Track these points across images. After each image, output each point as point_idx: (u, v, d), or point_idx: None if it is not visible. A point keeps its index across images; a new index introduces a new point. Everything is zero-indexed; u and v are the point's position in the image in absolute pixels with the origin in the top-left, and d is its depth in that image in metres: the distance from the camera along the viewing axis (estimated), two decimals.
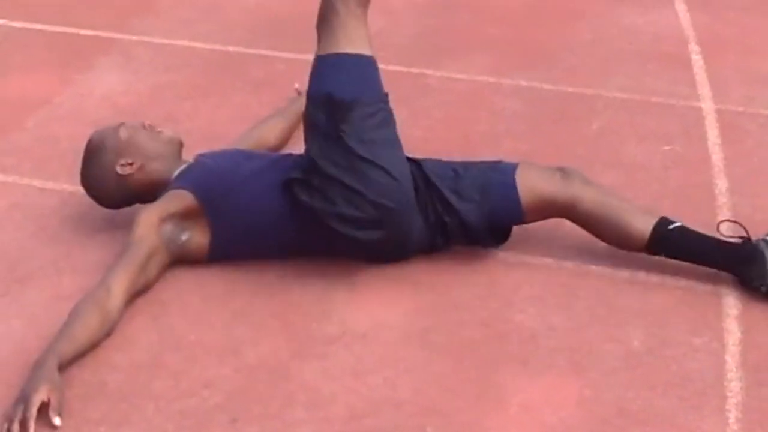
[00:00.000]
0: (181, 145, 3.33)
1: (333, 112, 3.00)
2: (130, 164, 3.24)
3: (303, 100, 3.92)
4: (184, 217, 3.11)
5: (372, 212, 3.00)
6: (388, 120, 3.10)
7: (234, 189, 3.12)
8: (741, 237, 3.09)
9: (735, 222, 3.21)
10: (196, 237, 3.14)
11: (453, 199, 3.12)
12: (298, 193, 3.03)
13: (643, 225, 3.08)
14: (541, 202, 3.12)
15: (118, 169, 3.24)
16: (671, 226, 3.06)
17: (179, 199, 3.12)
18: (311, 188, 3.02)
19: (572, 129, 4.03)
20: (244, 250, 3.17)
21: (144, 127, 3.31)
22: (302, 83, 4.32)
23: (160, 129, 3.33)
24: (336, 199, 2.99)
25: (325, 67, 3.07)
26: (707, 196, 3.57)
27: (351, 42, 3.05)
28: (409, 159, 3.15)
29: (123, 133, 3.27)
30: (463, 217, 3.11)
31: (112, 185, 3.28)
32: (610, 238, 3.14)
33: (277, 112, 3.89)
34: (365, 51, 3.08)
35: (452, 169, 3.19)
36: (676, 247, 3.08)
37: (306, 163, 3.05)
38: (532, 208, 3.12)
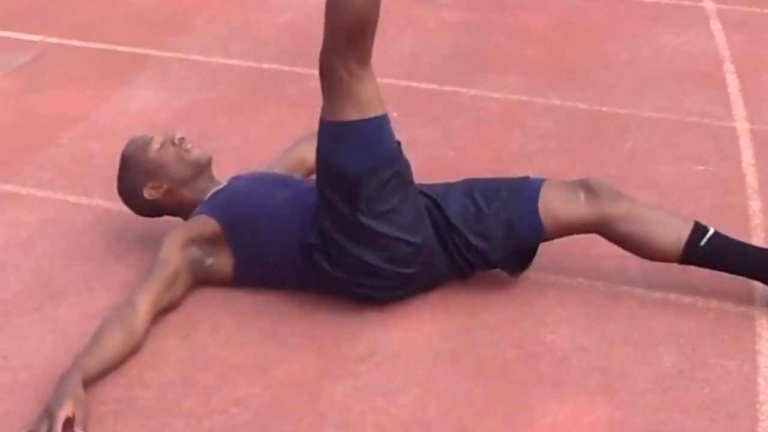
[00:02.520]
0: (209, 163, 3.31)
1: (343, 188, 2.94)
2: (158, 187, 3.25)
3: None
4: (209, 242, 3.12)
5: (394, 279, 3.03)
6: (403, 178, 3.01)
7: (259, 223, 3.11)
8: None
9: None
10: (221, 263, 3.15)
11: (477, 241, 3.07)
12: (318, 261, 3.02)
13: (675, 239, 3.01)
14: (567, 229, 3.08)
15: (146, 194, 3.26)
16: (704, 241, 3.00)
17: (205, 224, 3.13)
18: (330, 257, 3.01)
19: (606, 149, 4.02)
20: (266, 281, 3.16)
21: (174, 142, 3.27)
22: None
23: (189, 145, 3.28)
24: (356, 272, 3.00)
25: (332, 138, 2.95)
26: (741, 217, 3.55)
27: (358, 106, 2.90)
28: (427, 196, 3.10)
29: (152, 153, 3.25)
30: (489, 256, 3.09)
31: (140, 202, 3.30)
32: (642, 253, 3.08)
33: (314, 132, 3.88)
34: (374, 112, 2.92)
35: (474, 203, 3.09)
36: (709, 260, 3.04)
37: (322, 231, 3.00)
38: (559, 234, 3.09)
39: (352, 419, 2.70)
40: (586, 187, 3.06)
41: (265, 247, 3.11)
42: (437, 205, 3.09)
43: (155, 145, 3.27)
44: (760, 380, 2.83)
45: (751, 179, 3.79)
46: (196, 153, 3.28)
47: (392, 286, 3.05)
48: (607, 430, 2.66)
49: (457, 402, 2.76)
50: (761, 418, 2.70)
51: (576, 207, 3.04)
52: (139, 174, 3.26)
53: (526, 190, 3.09)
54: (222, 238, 3.12)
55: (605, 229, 3.06)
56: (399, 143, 3.04)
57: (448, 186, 3.18)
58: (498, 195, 3.09)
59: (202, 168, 3.28)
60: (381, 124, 2.96)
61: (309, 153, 3.67)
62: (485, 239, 3.06)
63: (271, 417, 2.71)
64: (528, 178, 3.16)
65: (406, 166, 3.04)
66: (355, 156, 2.92)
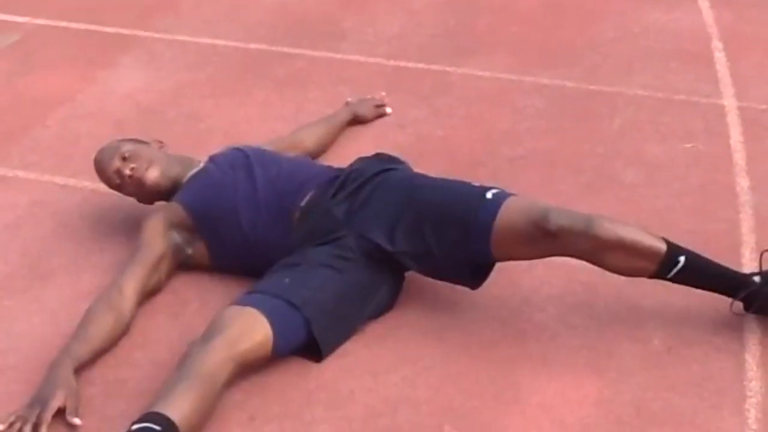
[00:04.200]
0: (161, 177, 3.26)
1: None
2: (139, 199, 3.35)
3: (348, 112, 3.94)
4: (185, 229, 3.15)
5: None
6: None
7: (223, 212, 3.12)
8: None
9: None
10: (198, 251, 3.17)
11: (429, 274, 3.03)
12: None
13: (641, 270, 2.85)
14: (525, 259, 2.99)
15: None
16: (671, 273, 2.83)
17: (177, 212, 3.16)
18: None
19: (594, 127, 4.02)
20: (242, 269, 3.14)
21: (122, 175, 3.25)
22: (327, 82, 4.33)
23: (137, 174, 3.24)
24: None
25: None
26: (729, 194, 3.55)
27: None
28: (368, 241, 2.96)
29: (113, 187, 3.32)
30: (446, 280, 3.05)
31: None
32: (608, 270, 2.91)
33: (321, 119, 3.90)
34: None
35: (423, 243, 2.91)
36: (681, 282, 2.89)
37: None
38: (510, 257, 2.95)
39: (340, 399, 2.71)
40: (545, 232, 2.79)
41: (233, 242, 3.12)
42: (384, 250, 2.95)
43: (113, 182, 3.29)
44: (748, 357, 2.83)
45: (739, 156, 3.78)
46: (147, 180, 3.25)
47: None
48: (595, 408, 2.66)
49: (445, 380, 2.76)
50: (749, 394, 2.71)
51: (531, 248, 2.85)
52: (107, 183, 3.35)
53: (478, 225, 2.86)
54: (193, 227, 3.14)
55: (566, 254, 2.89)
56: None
57: (395, 218, 2.96)
58: (447, 231, 2.89)
59: (160, 182, 3.27)
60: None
61: (308, 139, 3.69)
62: (437, 274, 3.02)
63: (260, 397, 2.71)
64: (483, 201, 2.89)
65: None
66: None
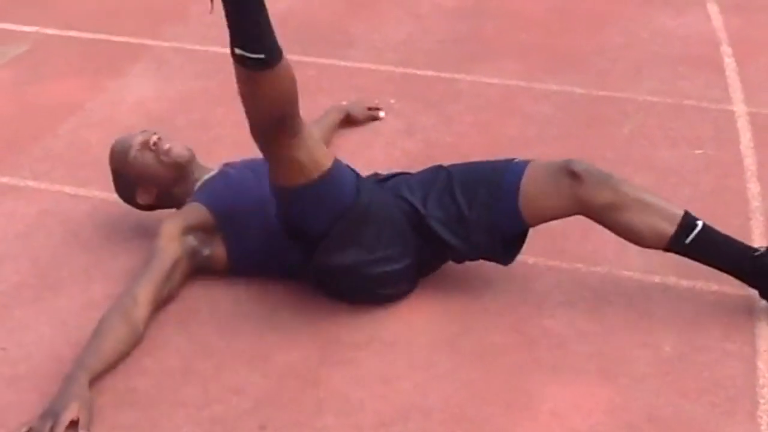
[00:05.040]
0: (192, 158, 3.30)
1: (311, 244, 2.94)
2: (148, 192, 3.29)
3: (340, 112, 3.95)
4: (204, 230, 3.12)
5: (384, 292, 3.05)
6: (372, 213, 2.96)
7: (249, 213, 3.12)
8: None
9: None
10: (216, 252, 3.15)
11: (462, 246, 3.02)
12: (310, 278, 3.06)
13: (659, 233, 2.92)
14: (551, 218, 3.01)
15: (138, 199, 3.30)
16: (689, 238, 2.91)
17: (197, 213, 3.14)
18: (318, 280, 3.06)
19: (603, 133, 4.01)
20: (260, 271, 3.16)
21: (150, 147, 3.26)
22: (335, 90, 4.34)
23: (167, 145, 3.26)
24: (344, 290, 3.04)
25: (288, 202, 2.92)
26: (739, 200, 3.54)
27: (303, 170, 2.83)
28: (407, 201, 3.04)
29: (131, 163, 3.26)
30: (476, 256, 3.09)
31: (138, 205, 3.34)
32: (628, 239, 2.99)
33: (313, 122, 3.89)
34: (319, 170, 2.84)
35: (455, 204, 3.00)
36: (694, 255, 2.96)
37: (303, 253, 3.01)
38: (543, 221, 3.02)
39: (351, 407, 2.70)
40: (570, 173, 2.92)
41: (256, 238, 3.11)
42: (417, 212, 3.02)
43: (132, 153, 3.26)
44: (760, 363, 2.83)
45: (750, 162, 3.78)
46: (175, 153, 3.27)
47: (385, 294, 3.07)
48: (606, 415, 2.66)
49: (456, 388, 2.76)
50: (761, 401, 2.70)
51: (558, 199, 2.94)
52: (127, 183, 3.30)
53: (505, 186, 2.97)
54: (214, 226, 3.12)
55: (589, 215, 2.98)
56: (358, 177, 3.03)
57: (429, 183, 3.08)
58: (477, 194, 2.99)
59: (185, 165, 3.28)
60: (330, 179, 2.87)
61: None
62: (469, 243, 3.02)
63: (270, 405, 2.71)
64: (510, 164, 3.03)
65: (375, 195, 3.01)
66: (314, 215, 2.90)
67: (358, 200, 2.93)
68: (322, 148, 2.91)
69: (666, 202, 2.97)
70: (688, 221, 2.93)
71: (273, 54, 2.70)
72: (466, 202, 2.99)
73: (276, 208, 2.98)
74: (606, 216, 2.94)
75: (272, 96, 2.70)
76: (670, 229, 2.91)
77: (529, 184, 2.96)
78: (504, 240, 3.02)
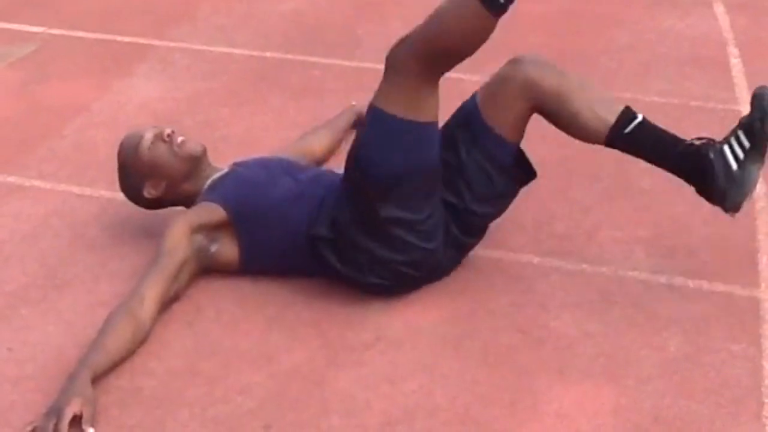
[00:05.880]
0: (204, 153, 3.29)
1: (377, 184, 2.92)
2: (157, 185, 3.26)
3: (352, 114, 3.94)
4: (215, 229, 3.12)
5: (401, 279, 3.04)
6: (435, 191, 3.01)
7: (264, 211, 3.11)
8: (707, 139, 3.00)
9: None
10: (226, 249, 3.14)
11: (485, 209, 3.12)
12: (326, 255, 3.03)
13: (601, 122, 2.99)
14: (517, 119, 3.09)
15: (146, 193, 3.27)
16: (629, 128, 2.97)
17: (209, 212, 3.12)
18: (338, 250, 3.02)
19: None
20: (271, 268, 3.16)
21: (164, 139, 3.26)
22: (342, 90, 4.34)
23: (180, 138, 3.27)
24: (364, 268, 3.00)
25: (381, 130, 2.92)
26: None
27: (416, 107, 2.90)
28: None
29: (143, 153, 3.24)
30: (498, 211, 3.17)
31: (144, 201, 3.32)
32: (570, 132, 3.06)
33: (325, 123, 3.90)
34: (428, 119, 2.93)
35: (455, 152, 3.10)
36: (633, 147, 3.02)
37: (336, 223, 3.01)
38: (518, 126, 3.10)
39: (357, 407, 2.70)
40: (510, 60, 3.10)
41: (270, 235, 3.11)
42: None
43: (146, 144, 3.25)
44: (766, 364, 2.82)
45: None
46: (188, 146, 3.27)
47: (398, 285, 3.05)
48: (612, 416, 2.66)
49: (462, 388, 2.76)
50: (766, 401, 2.70)
51: (510, 91, 3.06)
52: (135, 176, 3.28)
53: (466, 112, 3.14)
54: (228, 225, 3.12)
55: (540, 106, 3.04)
56: (438, 157, 3.04)
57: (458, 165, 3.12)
58: (458, 137, 3.11)
59: (197, 160, 3.27)
60: (433, 132, 2.97)
61: (318, 145, 3.70)
62: (491, 206, 3.12)
63: (275, 405, 2.71)
64: (467, 101, 3.18)
65: (440, 179, 3.04)
66: (400, 155, 2.91)
67: (438, 173, 3.01)
68: (438, 105, 2.97)
69: (608, 93, 3.06)
70: (629, 113, 2.99)
71: (506, 10, 2.82)
72: (462, 145, 3.09)
73: (358, 138, 2.99)
74: (553, 105, 3.01)
75: (475, 38, 2.86)
76: (611, 118, 2.98)
77: (485, 89, 3.12)
78: (503, 167, 3.08)
